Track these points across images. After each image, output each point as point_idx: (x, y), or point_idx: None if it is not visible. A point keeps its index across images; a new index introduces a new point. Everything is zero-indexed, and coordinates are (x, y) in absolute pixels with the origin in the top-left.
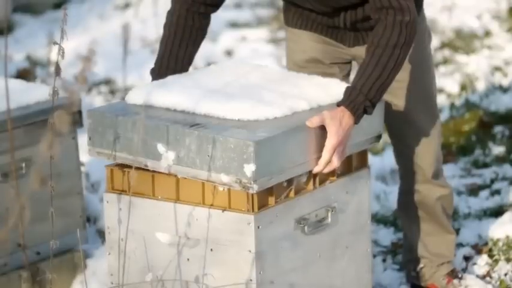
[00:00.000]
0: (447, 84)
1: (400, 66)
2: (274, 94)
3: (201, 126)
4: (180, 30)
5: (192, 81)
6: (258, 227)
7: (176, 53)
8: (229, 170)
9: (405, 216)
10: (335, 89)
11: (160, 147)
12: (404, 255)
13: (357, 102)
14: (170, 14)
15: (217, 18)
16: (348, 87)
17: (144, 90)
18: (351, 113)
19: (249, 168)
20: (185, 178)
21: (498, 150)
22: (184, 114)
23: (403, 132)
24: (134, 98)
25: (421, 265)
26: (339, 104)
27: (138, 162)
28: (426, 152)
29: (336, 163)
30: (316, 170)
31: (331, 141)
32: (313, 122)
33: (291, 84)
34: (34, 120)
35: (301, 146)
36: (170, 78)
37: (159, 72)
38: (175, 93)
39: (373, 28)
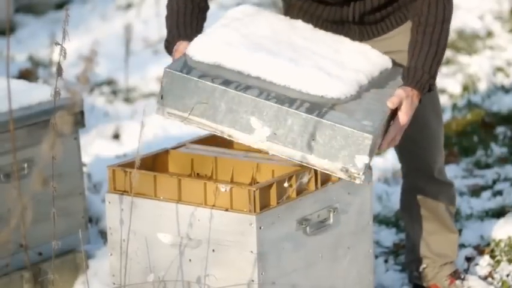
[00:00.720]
0: (449, 84)
1: (447, 40)
2: (331, 64)
3: (300, 106)
4: (190, 4)
5: (242, 37)
6: (260, 228)
7: (190, 22)
8: (336, 158)
9: (408, 215)
10: (374, 57)
11: (255, 122)
12: (406, 255)
13: (423, 82)
14: None
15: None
16: (408, 68)
17: (206, 46)
18: (419, 93)
19: (362, 160)
20: (188, 182)
21: (500, 151)
22: (261, 81)
23: (409, 129)
24: (198, 55)
25: (423, 265)
26: (405, 85)
27: (220, 130)
28: (432, 148)
29: (397, 140)
30: (382, 147)
31: (402, 119)
32: (394, 102)
33: (332, 49)
34: (36, 121)
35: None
36: (219, 31)
37: (178, 39)
38: (239, 54)
39: (378, 23)
